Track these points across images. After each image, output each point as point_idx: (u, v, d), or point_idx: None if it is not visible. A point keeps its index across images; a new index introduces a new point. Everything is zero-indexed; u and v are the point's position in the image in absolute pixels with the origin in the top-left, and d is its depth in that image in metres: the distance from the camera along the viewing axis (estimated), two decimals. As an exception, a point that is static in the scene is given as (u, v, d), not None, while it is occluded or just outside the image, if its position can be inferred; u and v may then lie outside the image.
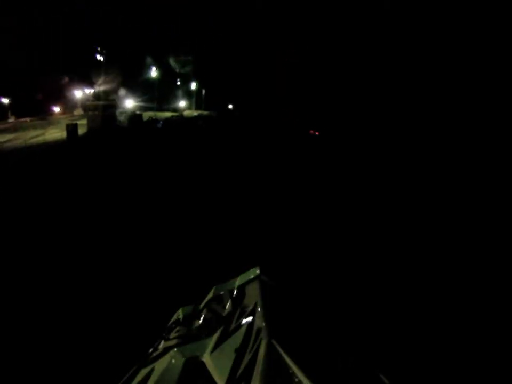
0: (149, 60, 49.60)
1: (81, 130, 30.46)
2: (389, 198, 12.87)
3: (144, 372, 1.86)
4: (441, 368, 4.12)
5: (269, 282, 2.38)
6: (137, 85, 47.90)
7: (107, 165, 17.23)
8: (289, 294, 2.61)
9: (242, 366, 1.57)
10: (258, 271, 2.47)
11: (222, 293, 2.39)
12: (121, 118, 36.78)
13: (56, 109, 40.38)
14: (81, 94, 42.78)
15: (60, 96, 39.81)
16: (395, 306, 5.37)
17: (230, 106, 58.34)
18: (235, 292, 2.31)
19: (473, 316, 5.18)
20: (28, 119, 34.51)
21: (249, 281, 2.36)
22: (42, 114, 36.65)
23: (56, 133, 28.52)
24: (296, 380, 1.51)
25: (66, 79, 42.47)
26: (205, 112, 55.26)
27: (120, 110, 39.38)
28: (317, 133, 37.83)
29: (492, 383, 3.99)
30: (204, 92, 56.38)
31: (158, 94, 48.98)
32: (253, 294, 2.17)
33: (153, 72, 46.12)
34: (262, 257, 5.94)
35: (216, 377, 1.59)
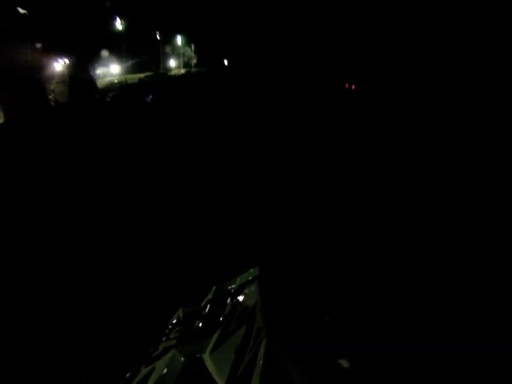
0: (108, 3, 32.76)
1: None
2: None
3: (144, 371, 1.88)
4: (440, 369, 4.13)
5: (268, 282, 2.40)
6: (105, 44, 32.79)
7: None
8: (289, 294, 2.62)
9: (242, 366, 1.57)
10: (258, 272, 2.49)
11: (222, 293, 2.40)
12: (59, 89, 22.96)
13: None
14: (61, 65, 27.97)
15: (35, 71, 24.71)
16: (394, 305, 5.38)
17: (225, 62, 49.19)
18: (235, 292, 2.32)
19: (473, 316, 5.20)
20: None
21: (249, 282, 2.37)
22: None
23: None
24: (296, 379, 1.52)
25: (39, 46, 26.39)
26: (194, 70, 42.90)
27: (57, 79, 25.10)
28: (353, 87, 31.76)
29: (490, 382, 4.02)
30: (193, 47, 46.99)
31: (132, 53, 37.09)
32: (253, 294, 2.18)
33: (118, 24, 33.47)
34: (262, 257, 5.94)
35: (216, 376, 1.60)
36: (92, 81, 27.18)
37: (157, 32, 42.16)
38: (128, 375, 1.97)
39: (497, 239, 7.81)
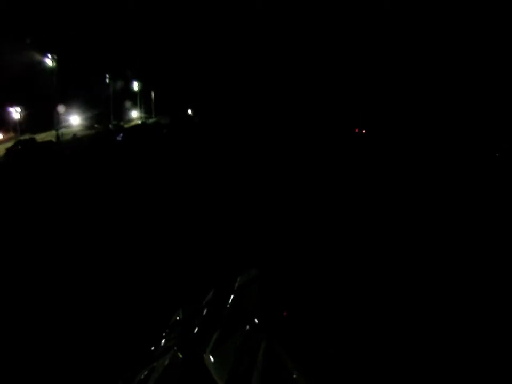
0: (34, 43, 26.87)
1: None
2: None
3: (145, 371, 1.88)
4: (439, 368, 4.13)
5: (268, 282, 2.41)
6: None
7: None
8: (289, 294, 2.63)
9: (242, 366, 1.58)
10: (257, 272, 2.50)
11: (221, 293, 2.41)
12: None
13: None
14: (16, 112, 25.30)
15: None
16: (393, 306, 5.37)
17: (189, 111, 42.52)
18: (235, 292, 2.32)
19: (473, 316, 5.19)
20: None
21: (249, 282, 2.38)
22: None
23: None
24: (295, 379, 1.53)
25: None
26: (151, 120, 38.08)
27: None
28: (363, 131, 30.92)
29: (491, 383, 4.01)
30: (152, 94, 39.72)
31: (84, 106, 31.00)
32: (253, 295, 2.19)
33: (49, 61, 26.67)
34: (261, 258, 5.92)
35: (216, 376, 1.60)
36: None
37: (107, 76, 34.15)
38: (128, 374, 1.97)
39: (496, 240, 7.84)
